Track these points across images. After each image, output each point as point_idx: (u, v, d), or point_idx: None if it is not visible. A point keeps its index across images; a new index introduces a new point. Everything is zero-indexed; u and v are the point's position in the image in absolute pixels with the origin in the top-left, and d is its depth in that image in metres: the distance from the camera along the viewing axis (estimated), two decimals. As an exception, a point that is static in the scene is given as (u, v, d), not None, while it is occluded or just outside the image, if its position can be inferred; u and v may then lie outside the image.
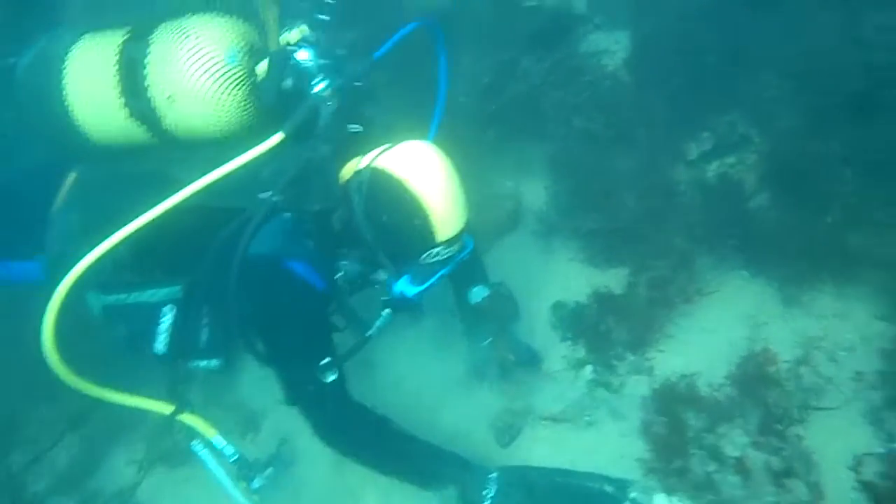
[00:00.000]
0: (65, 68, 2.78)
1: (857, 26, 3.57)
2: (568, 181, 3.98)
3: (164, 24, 2.74)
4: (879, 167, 3.23)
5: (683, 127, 3.86)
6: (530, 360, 3.44)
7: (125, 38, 2.77)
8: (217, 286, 2.80)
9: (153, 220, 2.60)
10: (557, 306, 3.55)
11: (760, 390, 2.84)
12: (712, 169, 3.78)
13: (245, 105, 2.71)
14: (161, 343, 3.00)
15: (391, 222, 2.56)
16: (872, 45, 3.51)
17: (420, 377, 3.61)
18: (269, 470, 3.10)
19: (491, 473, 2.79)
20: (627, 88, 4.10)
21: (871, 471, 2.42)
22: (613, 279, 3.58)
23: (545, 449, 3.22)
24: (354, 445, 2.86)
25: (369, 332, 2.86)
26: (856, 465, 2.44)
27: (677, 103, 3.84)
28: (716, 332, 3.24)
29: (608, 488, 2.94)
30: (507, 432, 3.30)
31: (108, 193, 3.06)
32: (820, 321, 3.11)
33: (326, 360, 2.72)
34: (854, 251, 3.13)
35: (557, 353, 3.46)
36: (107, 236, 2.64)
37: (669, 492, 2.83)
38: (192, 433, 3.03)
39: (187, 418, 3.03)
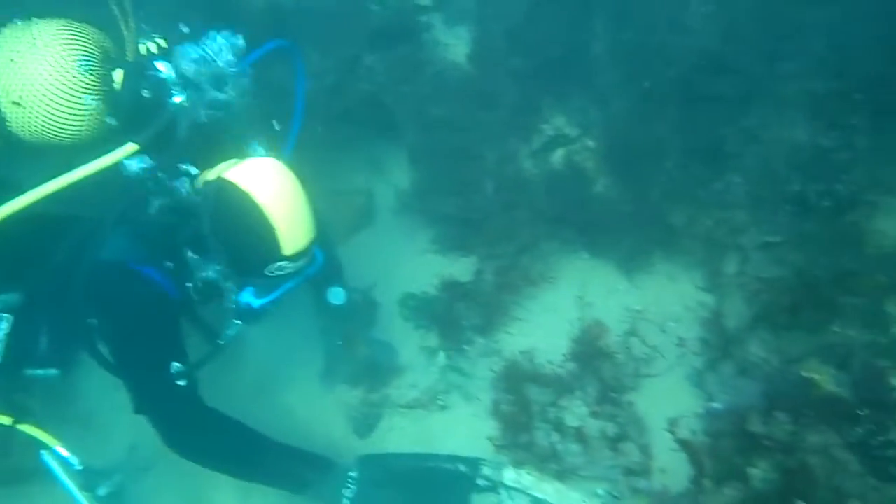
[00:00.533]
0: None
1: (682, 14, 3.78)
2: (421, 171, 4.05)
3: (9, 26, 2.61)
4: (700, 147, 3.46)
5: (529, 116, 4.00)
6: (386, 357, 3.51)
7: None
8: (61, 293, 2.70)
9: None
10: (408, 297, 3.62)
11: (596, 363, 3.02)
12: (557, 156, 3.92)
13: (98, 113, 2.61)
14: None
15: (236, 234, 2.56)
16: (695, 32, 3.73)
17: (276, 376, 3.61)
18: (118, 477, 3.04)
19: (352, 472, 2.83)
20: (474, 80, 4.20)
21: (687, 430, 2.61)
22: (463, 267, 3.68)
23: (402, 435, 3.31)
24: (207, 453, 2.81)
25: (221, 342, 2.82)
26: (671, 427, 2.61)
27: (523, 93, 3.97)
28: (557, 311, 3.39)
29: (462, 468, 3.06)
30: (365, 423, 3.36)
31: None
32: (649, 295, 3.33)
33: (177, 366, 2.67)
34: (678, 227, 3.36)
35: (411, 342, 3.54)
36: None
37: (518, 465, 2.97)
38: (34, 445, 2.91)
39: (28, 429, 2.91)
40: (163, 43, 2.69)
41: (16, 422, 2.90)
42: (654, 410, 2.91)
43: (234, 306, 2.75)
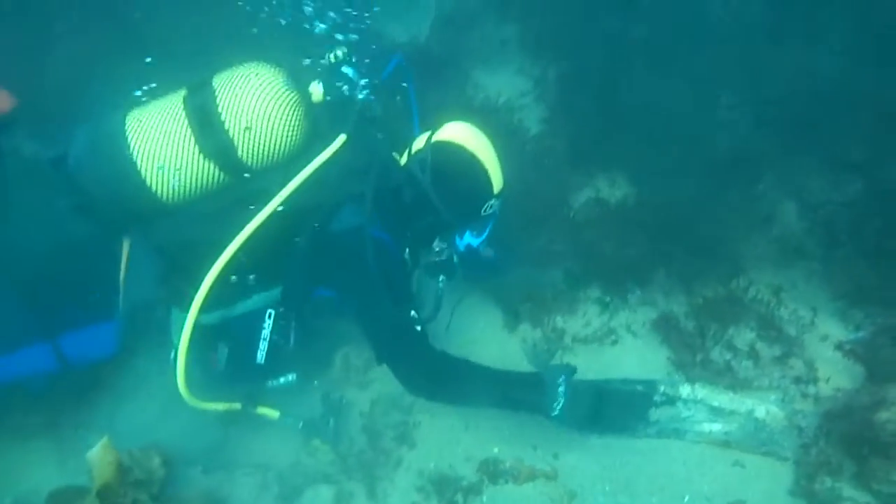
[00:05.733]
0: (128, 137, 2.76)
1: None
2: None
3: (217, 77, 2.86)
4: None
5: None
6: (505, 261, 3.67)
7: (185, 94, 2.85)
8: (312, 270, 2.97)
9: (253, 231, 2.74)
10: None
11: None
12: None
13: (306, 121, 2.88)
14: (262, 351, 3.02)
15: (456, 181, 2.95)
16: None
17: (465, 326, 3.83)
18: (332, 422, 3.28)
19: (559, 387, 2.94)
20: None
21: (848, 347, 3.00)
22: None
23: (577, 364, 3.55)
24: (446, 392, 3.00)
25: (440, 291, 3.18)
26: (839, 345, 3.00)
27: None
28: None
29: (639, 388, 3.37)
30: (543, 356, 3.65)
31: (170, 242, 3.00)
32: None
33: (414, 314, 2.93)
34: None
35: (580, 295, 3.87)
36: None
37: (692, 381, 3.29)
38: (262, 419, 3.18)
39: (255, 410, 3.15)
40: (345, 50, 3.00)
41: (244, 406, 3.11)
42: (810, 337, 3.27)
43: (454, 253, 3.14)
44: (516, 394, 3.00)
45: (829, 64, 4.04)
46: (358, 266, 2.88)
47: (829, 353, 3.18)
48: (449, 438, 3.30)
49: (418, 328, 2.91)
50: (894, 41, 3.75)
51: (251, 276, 2.95)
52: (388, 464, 3.21)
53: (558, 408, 2.90)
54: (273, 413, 3.16)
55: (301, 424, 3.23)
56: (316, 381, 3.48)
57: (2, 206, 2.88)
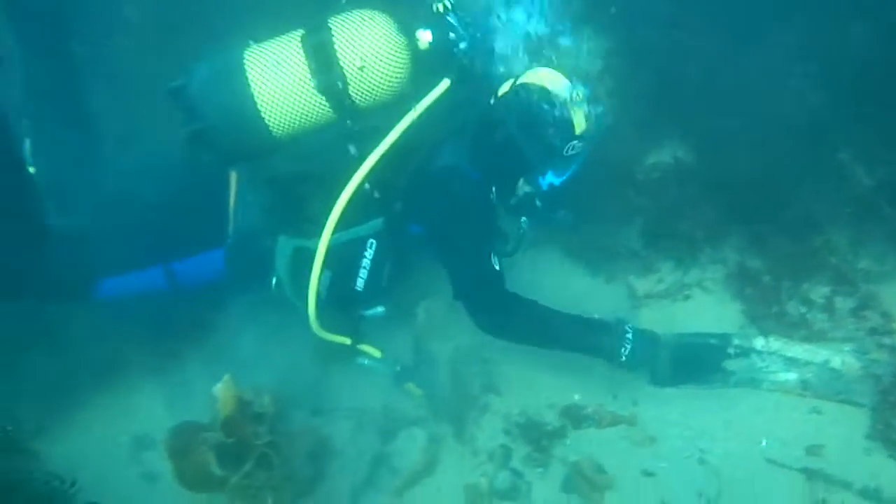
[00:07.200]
0: (246, 72, 2.85)
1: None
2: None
3: (332, 20, 2.95)
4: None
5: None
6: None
7: (302, 34, 2.95)
8: (410, 204, 3.10)
9: (372, 166, 2.90)
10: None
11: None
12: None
13: (413, 66, 2.99)
14: (362, 279, 3.12)
15: (541, 123, 3.02)
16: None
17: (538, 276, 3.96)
18: (424, 368, 3.46)
19: (627, 333, 3.10)
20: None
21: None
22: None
23: (650, 319, 3.66)
24: (513, 328, 3.12)
25: (521, 232, 3.26)
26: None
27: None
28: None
29: (713, 341, 3.42)
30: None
31: (282, 174, 3.11)
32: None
33: (493, 252, 3.06)
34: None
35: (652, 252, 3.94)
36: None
37: (766, 334, 3.35)
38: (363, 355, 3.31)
39: (363, 347, 3.28)
40: (448, 3, 3.07)
41: (355, 342, 3.25)
42: (885, 289, 3.30)
43: (536, 196, 3.22)
44: (586, 337, 3.13)
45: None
46: (448, 202, 3.05)
47: (902, 307, 3.21)
48: (531, 387, 3.43)
49: (497, 268, 3.05)
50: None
51: (361, 207, 3.05)
52: (474, 409, 3.35)
53: (625, 353, 3.04)
54: (376, 352, 3.29)
55: (399, 368, 3.37)
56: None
57: (123, 135, 3.04)
